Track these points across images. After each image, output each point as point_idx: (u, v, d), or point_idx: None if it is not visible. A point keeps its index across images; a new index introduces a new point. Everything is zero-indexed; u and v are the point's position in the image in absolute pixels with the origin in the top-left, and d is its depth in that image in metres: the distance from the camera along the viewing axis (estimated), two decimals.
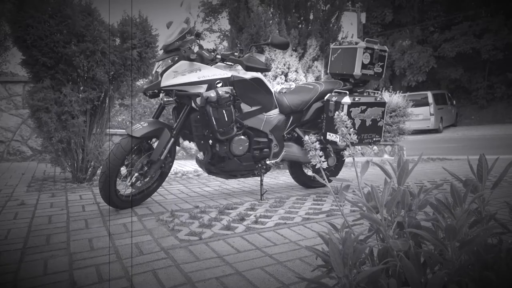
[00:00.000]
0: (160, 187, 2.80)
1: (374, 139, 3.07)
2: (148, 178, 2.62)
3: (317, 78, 5.84)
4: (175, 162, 3.99)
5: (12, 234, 2.07)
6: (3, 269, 1.60)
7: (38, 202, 2.81)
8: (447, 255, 0.77)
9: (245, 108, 2.77)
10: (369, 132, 3.03)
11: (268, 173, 3.69)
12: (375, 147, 7.14)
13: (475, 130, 14.59)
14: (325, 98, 3.08)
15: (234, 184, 3.62)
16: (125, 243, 1.91)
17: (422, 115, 14.18)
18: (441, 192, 1.01)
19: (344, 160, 3.49)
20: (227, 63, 2.76)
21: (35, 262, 1.67)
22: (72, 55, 3.30)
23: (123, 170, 2.53)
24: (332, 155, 3.26)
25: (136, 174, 2.53)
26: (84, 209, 2.62)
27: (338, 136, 2.90)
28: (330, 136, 3.01)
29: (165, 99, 2.64)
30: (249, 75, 2.76)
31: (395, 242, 0.79)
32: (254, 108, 2.81)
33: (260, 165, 2.90)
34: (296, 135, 3.16)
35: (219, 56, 2.70)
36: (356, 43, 3.17)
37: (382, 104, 3.05)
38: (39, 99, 3.31)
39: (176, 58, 2.58)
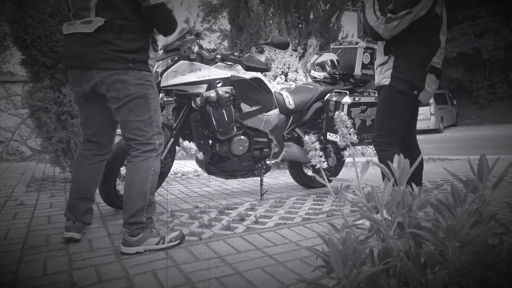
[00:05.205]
0: (160, 187, 2.80)
1: None
2: None
3: None
4: (175, 162, 4.00)
5: (11, 234, 2.06)
6: (2, 269, 1.60)
7: (38, 202, 2.81)
8: (448, 255, 0.76)
9: (245, 108, 2.77)
10: (369, 132, 3.03)
11: (268, 173, 3.69)
12: None
13: (475, 130, 14.58)
14: (325, 98, 3.08)
15: (234, 184, 3.62)
16: None
17: (423, 115, 14.16)
18: (441, 192, 1.01)
19: (344, 160, 3.49)
20: (227, 63, 2.76)
21: (35, 262, 1.67)
22: None
23: (123, 170, 2.52)
24: (332, 155, 3.26)
25: None
26: None
27: (338, 136, 2.90)
28: (330, 136, 3.01)
29: (165, 99, 2.63)
30: (249, 75, 2.75)
31: (395, 243, 0.79)
32: (254, 108, 2.81)
33: (260, 165, 2.89)
34: (296, 135, 3.16)
35: (219, 56, 2.70)
36: (356, 43, 3.17)
37: None
38: (39, 99, 3.31)
39: (176, 58, 2.57)
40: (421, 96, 2.24)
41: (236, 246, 1.85)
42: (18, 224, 2.25)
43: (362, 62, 3.04)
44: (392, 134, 2.32)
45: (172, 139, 2.59)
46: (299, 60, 5.74)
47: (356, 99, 2.92)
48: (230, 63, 2.76)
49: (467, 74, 17.94)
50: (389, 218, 0.85)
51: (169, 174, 3.31)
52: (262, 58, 2.74)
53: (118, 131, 2.06)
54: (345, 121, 0.89)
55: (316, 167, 0.91)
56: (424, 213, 0.89)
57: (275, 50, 5.45)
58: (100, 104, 1.88)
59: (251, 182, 3.65)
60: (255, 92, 2.80)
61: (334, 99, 2.97)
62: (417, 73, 2.20)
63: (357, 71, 3.06)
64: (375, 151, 2.47)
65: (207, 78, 2.58)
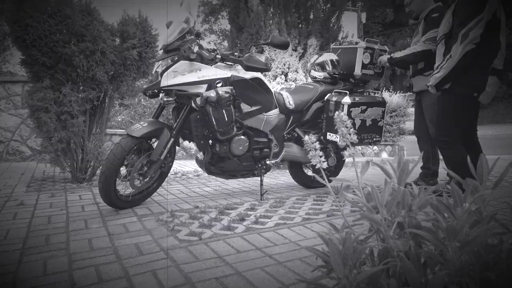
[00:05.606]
0: (160, 187, 2.80)
1: (374, 139, 3.07)
2: (148, 178, 2.61)
3: None
4: (175, 162, 4.00)
5: (12, 234, 2.06)
6: (3, 269, 1.60)
7: (38, 202, 2.81)
8: (448, 255, 0.77)
9: (245, 108, 2.77)
10: (369, 132, 3.03)
11: (268, 173, 3.69)
12: (375, 147, 7.14)
13: None
14: (325, 98, 3.08)
15: (234, 184, 3.61)
16: (125, 243, 1.91)
17: None
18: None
19: (344, 160, 3.49)
20: (227, 63, 2.76)
21: (35, 262, 1.67)
22: (72, 55, 3.29)
23: (123, 170, 2.52)
24: (332, 155, 3.26)
25: (135, 174, 2.53)
26: (83, 209, 2.62)
27: (338, 136, 2.90)
28: (330, 136, 3.01)
29: (165, 99, 2.63)
30: (249, 75, 2.75)
31: (395, 243, 0.79)
32: (254, 108, 2.81)
33: (260, 165, 2.89)
34: (296, 135, 3.16)
35: (219, 56, 2.70)
36: (356, 43, 3.17)
37: (383, 104, 3.05)
38: (39, 99, 3.31)
39: (176, 58, 2.57)
40: (481, 98, 2.36)
41: (236, 246, 1.85)
42: (18, 224, 2.25)
43: (362, 62, 3.05)
44: (453, 134, 2.48)
45: (172, 139, 2.59)
46: (299, 60, 5.74)
47: (356, 99, 2.92)
48: (230, 63, 2.75)
49: None
50: (389, 218, 0.85)
51: (169, 174, 3.31)
52: (262, 58, 2.74)
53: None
54: (345, 121, 0.89)
55: (316, 167, 0.91)
56: (424, 213, 0.89)
57: (275, 50, 5.45)
58: None
59: (251, 182, 3.65)
60: (255, 92, 2.80)
61: (334, 99, 2.97)
62: (479, 75, 2.30)
63: (357, 71, 3.06)
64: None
65: (207, 78, 2.58)
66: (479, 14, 2.18)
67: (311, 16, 5.99)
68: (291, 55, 5.62)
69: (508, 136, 11.15)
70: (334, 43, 3.51)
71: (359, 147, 6.52)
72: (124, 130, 5.12)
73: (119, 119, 7.07)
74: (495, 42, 2.27)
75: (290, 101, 3.01)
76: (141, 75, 3.81)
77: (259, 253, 1.76)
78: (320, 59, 3.22)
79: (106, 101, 3.78)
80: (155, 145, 2.61)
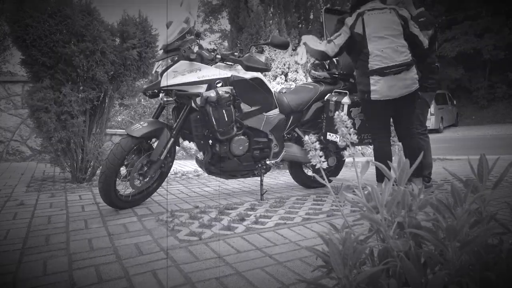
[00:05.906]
0: (160, 187, 2.80)
1: None
2: (147, 178, 2.61)
3: None
4: (175, 162, 4.00)
5: (12, 234, 2.06)
6: (2, 269, 1.60)
7: (38, 202, 2.81)
8: (448, 255, 0.77)
9: (245, 108, 2.77)
10: (369, 132, 3.02)
11: (268, 173, 3.69)
12: None
13: (475, 130, 14.57)
14: (325, 98, 3.08)
15: (234, 184, 3.61)
16: (125, 243, 1.91)
17: None
18: (441, 192, 1.01)
19: (344, 160, 3.49)
20: (227, 63, 2.76)
21: (35, 262, 1.67)
22: (72, 55, 3.29)
23: (123, 170, 2.52)
24: (332, 155, 3.26)
25: (135, 174, 2.53)
26: (83, 209, 2.62)
27: (338, 136, 2.90)
28: (330, 136, 3.01)
29: (165, 99, 2.63)
30: (249, 75, 2.75)
31: (395, 243, 0.79)
32: (254, 108, 2.81)
33: (260, 165, 2.89)
34: (296, 135, 3.16)
35: (219, 56, 2.70)
36: None
37: None
38: (39, 99, 3.31)
39: (176, 58, 2.57)
40: (374, 96, 2.64)
41: (236, 246, 1.85)
42: (18, 224, 2.25)
43: None
44: (373, 132, 2.88)
45: (172, 139, 2.59)
46: None
47: (356, 99, 2.92)
48: (230, 63, 2.75)
49: (467, 74, 17.93)
50: (389, 218, 0.85)
51: (169, 174, 3.31)
52: (262, 58, 2.74)
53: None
54: (345, 121, 0.89)
55: (316, 167, 0.91)
56: (424, 213, 0.89)
57: (275, 50, 5.45)
58: None
59: (251, 182, 3.65)
60: (255, 92, 2.80)
61: (334, 99, 2.97)
62: (361, 79, 2.70)
63: None
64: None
65: (207, 78, 2.58)
66: (338, 31, 2.73)
67: (311, 16, 6.00)
68: (291, 55, 5.61)
69: (508, 136, 11.15)
70: None
71: (359, 147, 6.52)
72: (124, 130, 5.12)
73: (119, 119, 7.08)
74: (364, 50, 2.63)
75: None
76: (141, 75, 3.82)
77: (259, 253, 1.76)
78: None
79: (106, 101, 3.78)
80: (155, 145, 2.61)
